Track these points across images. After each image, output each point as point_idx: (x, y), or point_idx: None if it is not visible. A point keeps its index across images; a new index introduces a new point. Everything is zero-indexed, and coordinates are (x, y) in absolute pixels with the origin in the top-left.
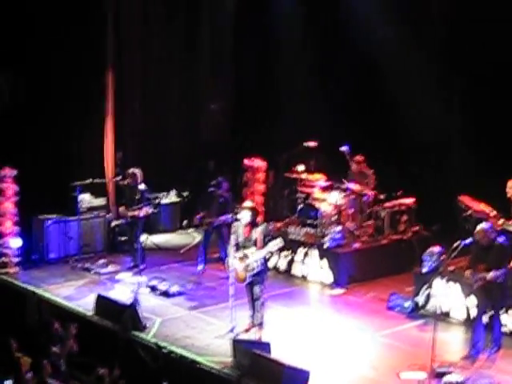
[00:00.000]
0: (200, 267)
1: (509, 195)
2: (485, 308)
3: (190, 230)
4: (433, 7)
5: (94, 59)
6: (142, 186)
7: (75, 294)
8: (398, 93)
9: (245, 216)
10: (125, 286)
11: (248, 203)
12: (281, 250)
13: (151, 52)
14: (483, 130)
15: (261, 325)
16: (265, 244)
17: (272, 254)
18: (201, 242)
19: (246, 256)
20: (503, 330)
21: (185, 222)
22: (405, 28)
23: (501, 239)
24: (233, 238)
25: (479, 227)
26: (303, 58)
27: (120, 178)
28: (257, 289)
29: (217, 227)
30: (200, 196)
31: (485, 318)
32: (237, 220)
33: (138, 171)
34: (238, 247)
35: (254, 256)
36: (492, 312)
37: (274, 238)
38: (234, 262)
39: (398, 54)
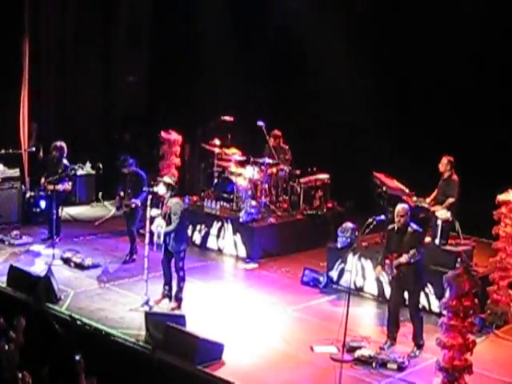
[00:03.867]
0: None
1: (441, 170)
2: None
3: (106, 203)
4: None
5: (10, 28)
6: (65, 161)
7: None
8: (315, 68)
9: (161, 190)
10: (39, 258)
11: (166, 178)
12: (196, 223)
13: (68, 24)
14: (401, 111)
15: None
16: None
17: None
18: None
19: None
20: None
21: (100, 194)
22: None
23: (414, 226)
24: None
25: (401, 206)
26: (221, 32)
27: (34, 148)
28: (175, 261)
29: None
30: (119, 176)
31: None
32: (153, 193)
33: (64, 144)
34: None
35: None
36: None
37: (190, 211)
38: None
39: (317, 28)
